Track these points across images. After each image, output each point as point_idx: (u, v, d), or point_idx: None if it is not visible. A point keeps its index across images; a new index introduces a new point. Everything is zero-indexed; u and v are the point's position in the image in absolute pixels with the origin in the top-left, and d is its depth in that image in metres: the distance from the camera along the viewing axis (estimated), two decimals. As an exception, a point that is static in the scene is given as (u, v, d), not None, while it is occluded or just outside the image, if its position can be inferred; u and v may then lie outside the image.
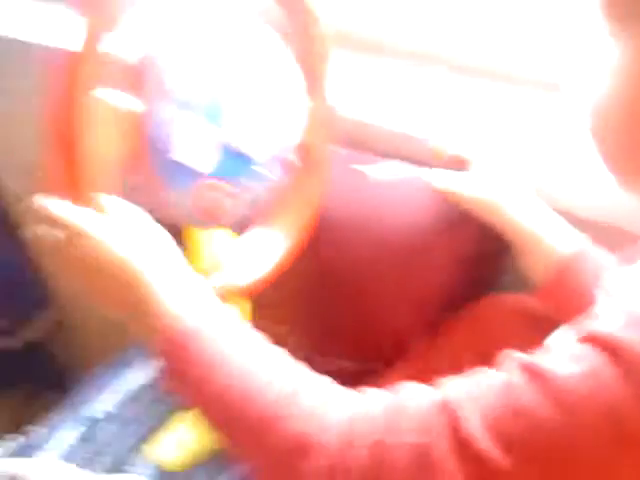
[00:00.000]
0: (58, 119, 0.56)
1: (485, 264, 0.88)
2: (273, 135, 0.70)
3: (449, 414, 0.44)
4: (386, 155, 0.89)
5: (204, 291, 0.56)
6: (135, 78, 0.63)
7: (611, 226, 0.78)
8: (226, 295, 0.70)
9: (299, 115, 0.73)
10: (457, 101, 0.95)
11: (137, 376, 0.99)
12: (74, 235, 0.56)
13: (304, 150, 0.76)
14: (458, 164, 0.83)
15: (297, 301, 0.85)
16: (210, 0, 0.73)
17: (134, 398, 0.95)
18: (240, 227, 0.78)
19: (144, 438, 0.90)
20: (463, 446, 0.42)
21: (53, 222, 0.57)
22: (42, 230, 0.58)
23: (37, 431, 0.94)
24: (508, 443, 0.41)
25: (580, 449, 0.41)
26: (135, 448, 0.90)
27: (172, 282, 0.55)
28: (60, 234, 0.57)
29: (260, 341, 0.54)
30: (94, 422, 0.92)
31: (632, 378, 0.40)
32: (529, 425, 0.41)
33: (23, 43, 1.19)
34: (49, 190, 0.59)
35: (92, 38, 0.56)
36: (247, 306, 0.77)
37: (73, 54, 0.56)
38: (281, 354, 0.53)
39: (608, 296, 0.49)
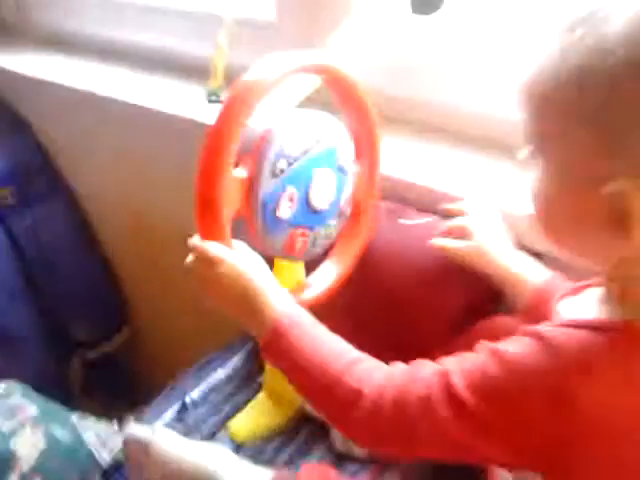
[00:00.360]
0: (205, 186, 0.81)
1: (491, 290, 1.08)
2: (337, 195, 0.98)
3: (444, 376, 0.69)
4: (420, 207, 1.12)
5: (290, 299, 0.82)
6: (249, 153, 0.88)
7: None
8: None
9: (352, 177, 1.00)
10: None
11: (216, 375, 1.25)
12: (215, 261, 0.81)
13: (354, 203, 1.02)
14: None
15: (347, 313, 1.10)
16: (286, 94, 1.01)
17: (215, 388, 1.20)
18: (309, 259, 1.03)
19: (225, 420, 1.14)
20: (451, 395, 0.67)
21: (202, 254, 0.82)
22: (193, 260, 0.83)
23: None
24: (477, 392, 0.66)
25: (520, 395, 0.65)
26: (218, 427, 1.14)
27: (272, 291, 0.80)
28: (204, 263, 0.82)
29: (328, 331, 0.79)
30: (184, 406, 1.17)
31: (550, 352, 0.64)
32: (490, 382, 0.66)
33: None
34: (198, 233, 0.84)
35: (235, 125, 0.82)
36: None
37: (218, 134, 0.81)
38: (342, 339, 0.78)
39: (557, 315, 0.75)
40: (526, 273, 0.96)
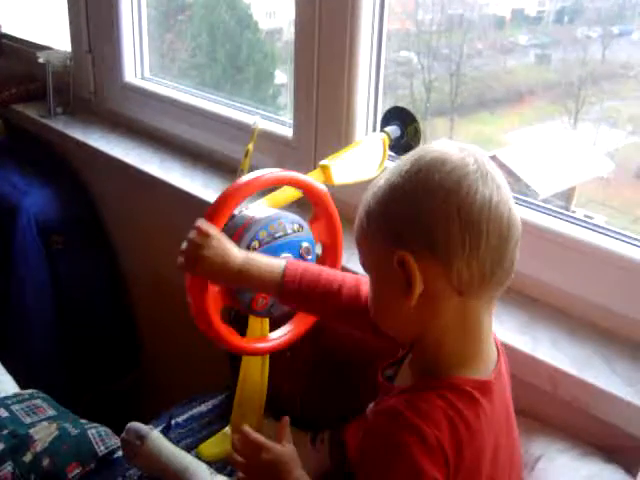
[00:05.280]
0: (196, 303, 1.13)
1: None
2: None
3: None
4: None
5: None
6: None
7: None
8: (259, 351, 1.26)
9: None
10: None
11: (199, 408, 1.56)
12: (262, 448, 1.02)
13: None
14: None
15: (304, 374, 1.41)
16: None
17: (196, 418, 1.51)
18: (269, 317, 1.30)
19: (198, 442, 1.42)
20: None
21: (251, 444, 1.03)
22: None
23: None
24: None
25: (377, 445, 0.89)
26: (192, 447, 1.42)
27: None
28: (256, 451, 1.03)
29: None
30: (169, 426, 1.47)
31: (395, 420, 0.87)
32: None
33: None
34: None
35: (224, 215, 1.13)
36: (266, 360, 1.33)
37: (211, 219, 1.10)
38: None
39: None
40: None
